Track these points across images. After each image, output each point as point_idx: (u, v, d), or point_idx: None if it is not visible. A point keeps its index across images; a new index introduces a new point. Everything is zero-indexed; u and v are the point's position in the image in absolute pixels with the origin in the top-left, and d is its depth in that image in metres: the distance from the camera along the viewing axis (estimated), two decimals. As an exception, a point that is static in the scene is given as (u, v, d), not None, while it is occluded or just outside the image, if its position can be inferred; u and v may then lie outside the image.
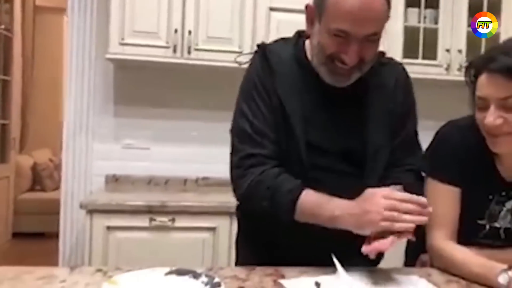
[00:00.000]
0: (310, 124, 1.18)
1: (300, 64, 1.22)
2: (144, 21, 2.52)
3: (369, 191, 1.08)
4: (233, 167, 1.21)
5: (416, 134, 1.32)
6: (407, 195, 1.05)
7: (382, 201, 1.03)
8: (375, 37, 1.11)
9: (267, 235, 1.26)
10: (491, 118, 1.12)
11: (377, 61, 1.22)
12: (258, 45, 1.28)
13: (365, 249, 1.03)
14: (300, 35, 1.27)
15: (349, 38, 1.08)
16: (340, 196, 1.11)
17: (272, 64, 1.20)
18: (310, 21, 1.17)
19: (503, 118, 1.12)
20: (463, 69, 2.76)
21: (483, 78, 1.14)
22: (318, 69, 1.18)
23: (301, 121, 1.17)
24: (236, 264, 1.36)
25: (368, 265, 1.15)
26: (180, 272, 1.04)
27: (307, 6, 1.17)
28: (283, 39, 1.29)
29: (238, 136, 1.21)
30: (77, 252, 2.79)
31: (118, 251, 2.27)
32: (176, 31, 2.52)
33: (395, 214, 1.02)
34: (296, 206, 1.12)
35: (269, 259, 1.18)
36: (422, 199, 1.05)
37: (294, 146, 1.17)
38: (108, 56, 2.54)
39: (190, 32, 2.53)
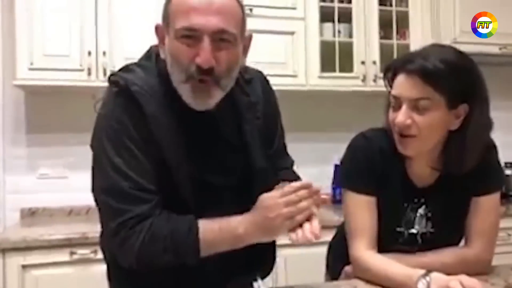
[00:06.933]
0: (194, 167, 1.08)
1: (167, 96, 1.07)
2: (54, 44, 2.38)
3: (264, 197, 1.03)
4: (113, 233, 1.03)
5: (283, 137, 1.31)
6: (294, 185, 1.02)
7: (278, 202, 1.00)
8: (227, 36, 1.02)
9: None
10: (402, 117, 1.15)
11: (243, 79, 1.18)
12: (114, 81, 1.07)
13: (295, 237, 0.99)
14: (157, 56, 1.12)
15: (197, 36, 1.00)
16: None
17: (144, 107, 1.03)
18: (162, 41, 1.07)
19: (412, 119, 1.15)
20: (379, 80, 2.88)
21: (399, 78, 1.17)
22: (181, 92, 1.06)
23: (184, 169, 1.06)
24: None
25: (262, 273, 1.23)
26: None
27: (157, 27, 1.08)
28: (138, 65, 1.11)
29: (115, 196, 1.02)
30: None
31: (36, 291, 2.11)
32: (89, 53, 2.42)
33: (292, 209, 1.00)
34: (200, 244, 1.02)
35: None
36: (305, 181, 1.03)
37: (180, 196, 1.06)
38: (16, 82, 2.39)
39: (104, 53, 2.43)
